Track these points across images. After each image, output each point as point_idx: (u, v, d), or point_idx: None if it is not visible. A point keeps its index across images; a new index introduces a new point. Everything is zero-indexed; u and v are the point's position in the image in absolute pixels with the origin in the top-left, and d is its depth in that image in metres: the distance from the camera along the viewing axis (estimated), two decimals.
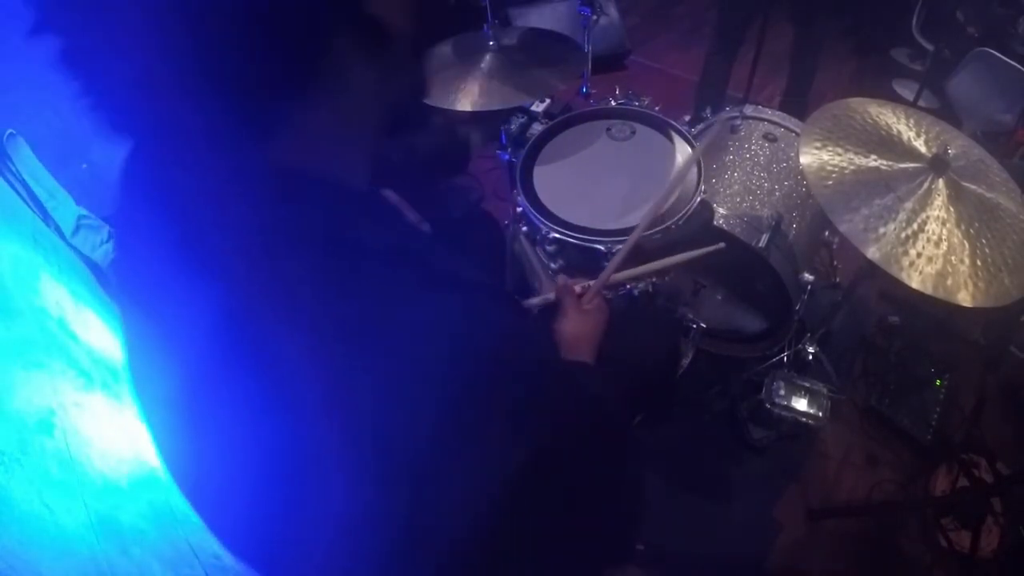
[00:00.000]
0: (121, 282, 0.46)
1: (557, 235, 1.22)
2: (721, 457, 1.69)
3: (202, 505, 0.46)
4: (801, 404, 1.51)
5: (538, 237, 1.29)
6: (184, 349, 0.40)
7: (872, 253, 1.01)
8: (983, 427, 1.67)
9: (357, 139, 0.46)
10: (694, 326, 1.51)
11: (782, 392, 1.52)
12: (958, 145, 1.17)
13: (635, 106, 1.47)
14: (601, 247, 1.21)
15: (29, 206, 1.11)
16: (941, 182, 1.08)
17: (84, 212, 1.37)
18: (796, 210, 1.51)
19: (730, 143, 1.60)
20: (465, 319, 0.43)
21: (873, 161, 1.12)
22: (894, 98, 2.29)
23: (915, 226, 1.03)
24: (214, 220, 0.37)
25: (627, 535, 0.61)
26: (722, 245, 1.02)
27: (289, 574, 0.43)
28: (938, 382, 1.76)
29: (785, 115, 1.66)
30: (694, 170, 1.30)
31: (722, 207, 1.42)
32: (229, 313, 0.37)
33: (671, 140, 1.38)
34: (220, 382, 0.38)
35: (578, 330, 0.85)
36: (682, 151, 1.35)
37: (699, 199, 1.24)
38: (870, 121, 1.19)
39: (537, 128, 1.45)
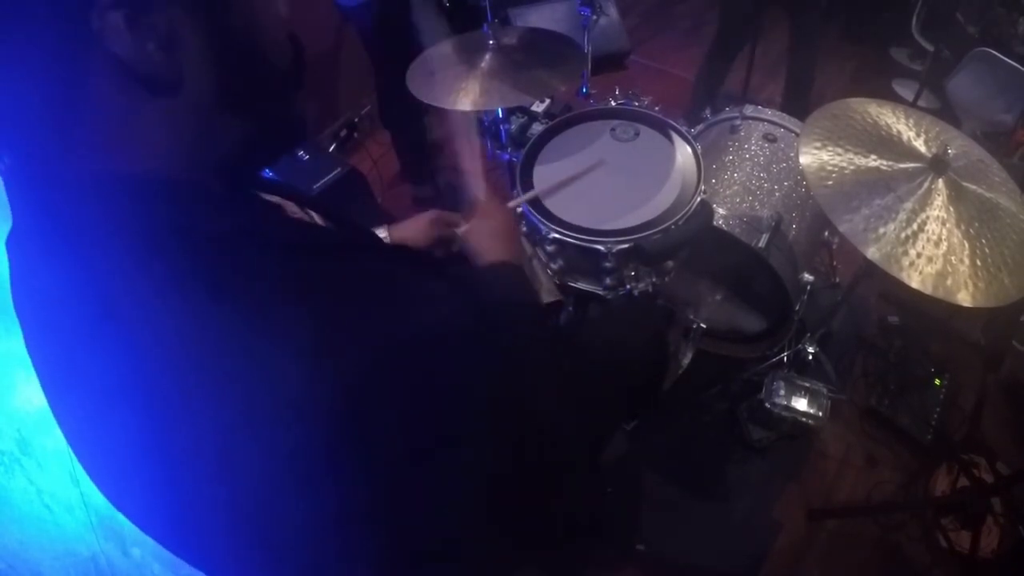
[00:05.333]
0: (34, 350, 0.44)
1: (557, 235, 1.23)
2: (721, 457, 1.69)
3: (171, 544, 0.45)
4: (801, 404, 1.51)
5: (538, 237, 1.29)
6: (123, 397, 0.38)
7: (872, 253, 1.01)
8: (983, 427, 1.67)
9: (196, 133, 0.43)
10: (694, 326, 1.51)
11: (782, 392, 1.52)
12: (958, 145, 1.17)
13: (634, 106, 1.47)
14: (601, 247, 1.21)
15: None
16: (941, 182, 1.08)
17: None
18: (796, 210, 1.51)
19: (730, 143, 1.60)
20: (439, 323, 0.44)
21: (873, 161, 1.12)
22: (894, 98, 2.29)
23: (915, 226, 1.03)
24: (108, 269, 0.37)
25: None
26: None
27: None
28: (938, 382, 1.76)
29: (785, 115, 1.66)
30: (694, 170, 1.30)
31: (722, 207, 1.42)
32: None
33: (671, 141, 1.38)
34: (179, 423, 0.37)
35: (490, 228, 0.86)
36: (682, 152, 1.35)
37: (699, 199, 1.24)
38: (870, 121, 1.19)
39: (537, 128, 1.45)
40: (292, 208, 0.57)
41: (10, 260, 0.43)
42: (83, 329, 0.38)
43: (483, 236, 0.85)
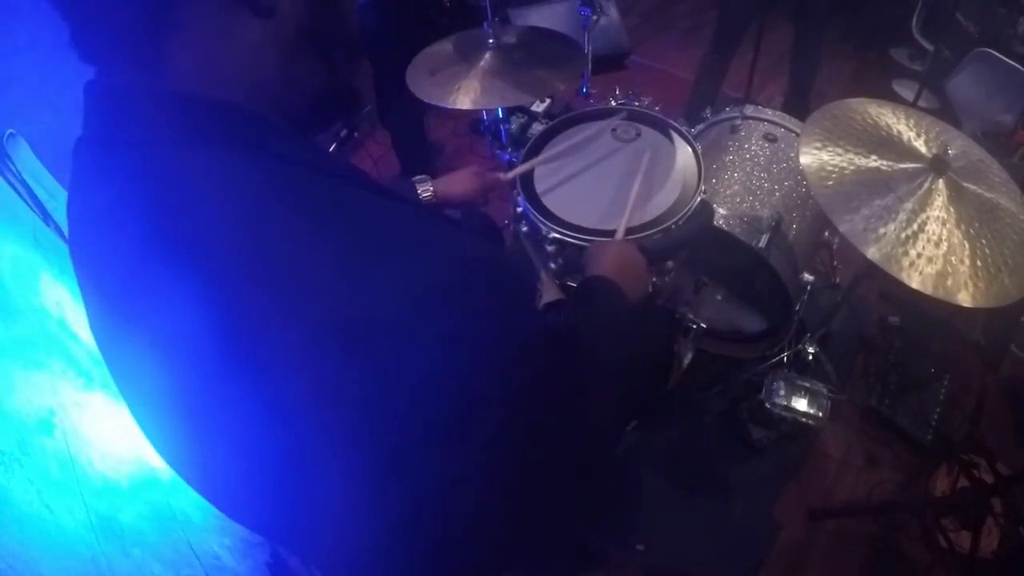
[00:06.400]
0: (83, 270, 0.46)
1: (557, 235, 1.22)
2: (721, 457, 1.69)
3: (212, 497, 0.47)
4: (801, 404, 1.51)
5: (538, 237, 1.29)
6: (172, 347, 0.39)
7: (872, 253, 1.01)
8: (983, 427, 1.67)
9: (265, 64, 0.45)
10: (694, 326, 1.51)
11: (782, 392, 1.52)
12: (958, 145, 1.17)
13: (635, 106, 1.47)
14: None
15: (29, 206, 1.11)
16: (941, 182, 1.08)
17: None
18: (796, 210, 1.51)
19: (730, 143, 1.60)
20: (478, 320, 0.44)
21: (873, 161, 1.12)
22: (894, 98, 2.29)
23: (915, 226, 1.03)
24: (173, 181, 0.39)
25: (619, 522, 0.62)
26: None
27: (300, 551, 0.45)
28: (938, 382, 1.76)
29: (785, 115, 1.66)
30: (694, 170, 1.29)
31: (722, 207, 1.42)
32: (216, 305, 0.36)
33: (672, 141, 1.38)
34: (213, 383, 0.38)
35: (616, 252, 0.90)
36: (683, 152, 1.35)
37: (699, 199, 1.24)
38: (870, 121, 1.19)
39: (537, 128, 1.45)
40: None
41: (75, 168, 0.45)
42: (151, 239, 0.38)
43: (606, 254, 0.88)
